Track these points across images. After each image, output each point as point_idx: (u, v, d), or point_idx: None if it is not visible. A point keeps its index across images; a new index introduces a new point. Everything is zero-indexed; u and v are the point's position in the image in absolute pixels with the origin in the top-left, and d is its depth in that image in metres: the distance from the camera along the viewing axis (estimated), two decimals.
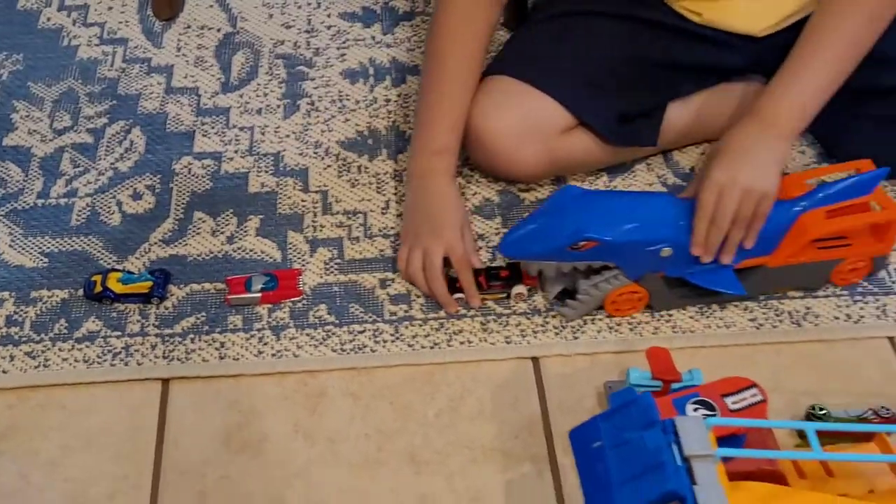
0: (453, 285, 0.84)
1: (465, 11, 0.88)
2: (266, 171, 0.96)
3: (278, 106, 1.03)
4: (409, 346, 0.82)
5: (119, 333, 0.83)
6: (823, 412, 0.77)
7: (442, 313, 0.84)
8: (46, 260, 0.89)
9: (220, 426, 0.78)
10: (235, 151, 0.98)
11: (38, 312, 0.85)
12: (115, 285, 0.85)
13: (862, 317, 0.84)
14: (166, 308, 0.85)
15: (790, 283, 0.84)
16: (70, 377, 0.81)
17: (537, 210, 0.82)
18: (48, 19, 1.13)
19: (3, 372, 0.81)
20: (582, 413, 0.77)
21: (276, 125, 1.01)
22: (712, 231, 0.77)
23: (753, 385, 0.66)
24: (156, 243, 0.90)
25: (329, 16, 1.13)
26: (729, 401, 0.65)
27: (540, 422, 0.78)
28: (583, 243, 0.76)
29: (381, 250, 0.89)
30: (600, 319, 0.84)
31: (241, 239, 0.91)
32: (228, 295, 0.85)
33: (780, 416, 0.77)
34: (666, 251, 0.78)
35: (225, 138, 1.00)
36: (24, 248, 0.90)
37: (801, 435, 0.71)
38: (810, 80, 0.80)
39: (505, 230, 0.90)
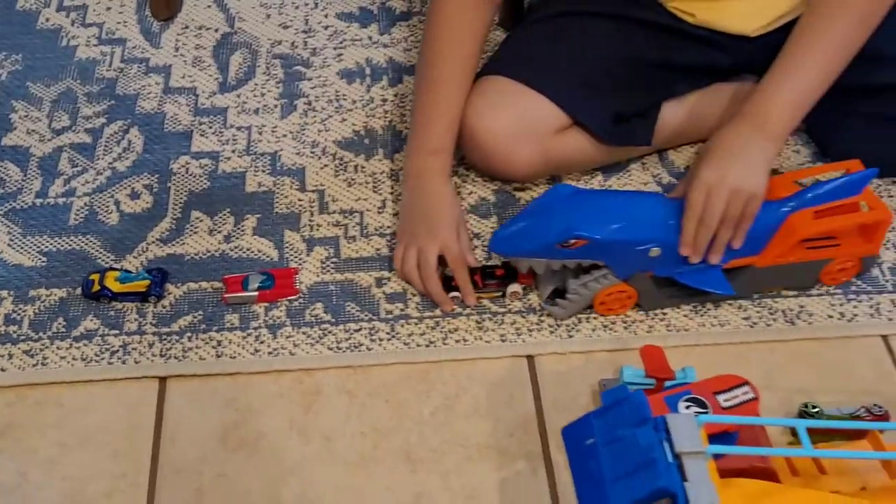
0: (449, 284, 0.85)
1: (459, 12, 0.89)
2: (263, 171, 0.97)
3: (275, 106, 1.03)
4: (405, 344, 0.83)
5: (117, 332, 0.84)
6: (816, 410, 0.77)
7: (437, 312, 0.85)
8: (45, 259, 0.90)
9: (216, 424, 0.78)
10: (233, 151, 0.99)
11: (37, 311, 0.86)
12: (112, 284, 0.85)
13: (855, 315, 0.85)
14: (164, 307, 0.86)
15: (779, 282, 0.85)
16: (68, 375, 0.81)
17: (528, 207, 0.82)
18: (47, 20, 1.14)
19: (2, 370, 0.82)
20: (576, 411, 0.78)
21: (273, 125, 1.01)
22: (701, 231, 0.77)
23: (745, 383, 0.67)
24: (153, 242, 0.91)
25: (326, 16, 1.13)
26: (721, 398, 0.65)
27: (535, 420, 0.78)
28: (573, 241, 0.77)
29: (378, 249, 0.90)
30: (595, 318, 0.84)
31: (238, 238, 0.91)
32: (225, 294, 0.86)
33: (774, 414, 0.77)
34: (655, 251, 0.78)
35: (222, 138, 1.00)
36: (22, 248, 0.91)
37: (794, 432, 0.71)
38: (800, 81, 0.80)
39: None
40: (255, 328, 0.84)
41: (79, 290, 0.87)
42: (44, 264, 0.89)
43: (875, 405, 0.77)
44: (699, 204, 0.77)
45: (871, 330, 0.84)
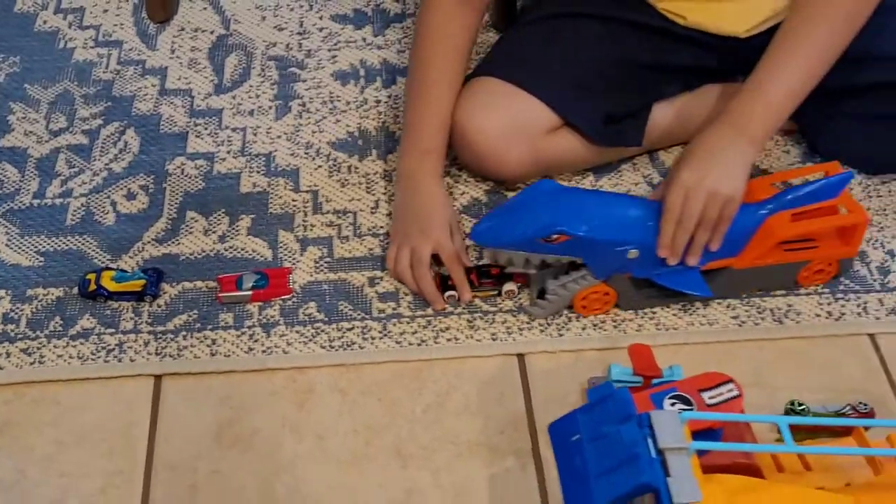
0: (445, 283, 0.86)
1: (448, 15, 0.90)
2: (258, 172, 0.98)
3: (270, 107, 1.04)
4: (397, 342, 0.84)
5: (113, 331, 0.85)
6: (803, 408, 0.78)
7: (429, 311, 0.86)
8: (42, 259, 0.91)
9: (211, 422, 0.79)
10: (228, 152, 1.00)
11: (34, 310, 0.87)
12: (108, 283, 0.87)
13: (843, 314, 0.85)
14: (159, 306, 0.87)
15: (757, 284, 0.85)
16: (65, 373, 0.82)
17: (511, 201, 0.83)
18: (44, 22, 1.15)
19: (0, 368, 0.83)
20: (566, 408, 0.78)
21: (267, 126, 1.02)
22: (678, 232, 0.78)
23: (730, 380, 0.68)
24: (149, 242, 0.92)
25: (321, 18, 1.15)
26: (706, 396, 0.67)
27: (524, 417, 0.79)
28: (555, 237, 0.77)
29: (371, 249, 0.91)
30: (584, 317, 0.85)
31: (232, 238, 0.92)
32: (220, 293, 0.87)
33: (761, 412, 0.78)
34: (633, 253, 0.79)
35: (217, 139, 1.01)
36: (20, 248, 0.92)
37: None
38: (782, 85, 0.81)
39: None
40: (249, 327, 0.85)
41: (75, 290, 0.88)
42: (41, 264, 0.90)
43: (861, 403, 0.78)
44: (677, 206, 0.78)
45: (859, 328, 0.85)
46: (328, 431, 0.79)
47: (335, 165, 0.98)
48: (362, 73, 1.08)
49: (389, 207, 0.94)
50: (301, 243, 0.91)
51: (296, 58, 1.10)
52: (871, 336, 0.85)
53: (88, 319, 0.86)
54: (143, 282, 0.87)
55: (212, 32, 1.13)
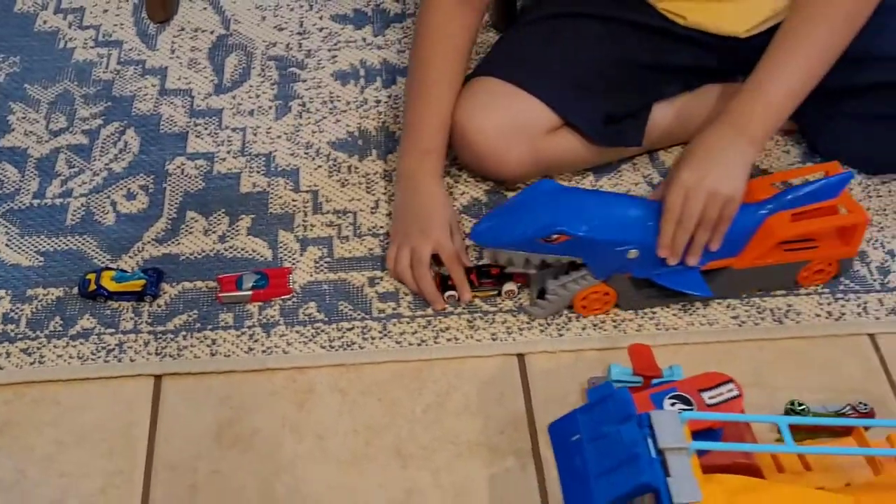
0: (445, 283, 0.86)
1: (447, 16, 0.90)
2: (258, 172, 0.98)
3: (270, 107, 1.04)
4: (397, 342, 0.84)
5: (113, 331, 0.85)
6: (803, 408, 0.78)
7: (429, 311, 0.86)
8: (42, 259, 0.91)
9: (211, 422, 0.79)
10: (228, 152, 1.00)
11: (34, 310, 0.87)
12: (108, 283, 0.87)
13: (843, 314, 0.85)
14: (159, 306, 0.87)
15: (756, 284, 0.85)
16: (65, 373, 0.82)
17: (511, 201, 0.83)
18: (45, 22, 1.15)
19: (0, 368, 0.83)
20: (566, 408, 0.78)
21: (267, 126, 1.02)
22: (678, 232, 0.78)
23: (730, 380, 0.68)
24: (149, 242, 0.92)
25: (321, 18, 1.15)
26: (706, 396, 0.67)
27: (524, 417, 0.79)
28: (555, 237, 0.77)
29: (370, 249, 0.91)
30: (584, 317, 0.85)
31: (232, 238, 0.92)
32: (220, 293, 0.87)
33: (761, 412, 0.78)
34: (633, 253, 0.79)
35: (217, 139, 1.01)
36: (20, 248, 0.92)
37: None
38: (782, 85, 0.81)
39: None
40: (249, 327, 0.85)
41: (75, 290, 0.88)
42: (41, 264, 0.90)
43: (861, 403, 0.78)
44: (677, 206, 0.78)
45: (859, 328, 0.85)
46: (328, 431, 0.79)
47: (335, 165, 0.98)
48: (362, 73, 1.08)
49: (389, 207, 0.94)
50: (301, 243, 0.91)
51: (296, 58, 1.10)
52: (871, 336, 0.85)
53: (88, 319, 0.86)
54: (143, 282, 0.87)
55: (212, 32, 1.13)
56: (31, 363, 0.83)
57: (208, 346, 0.84)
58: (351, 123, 1.03)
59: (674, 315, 0.85)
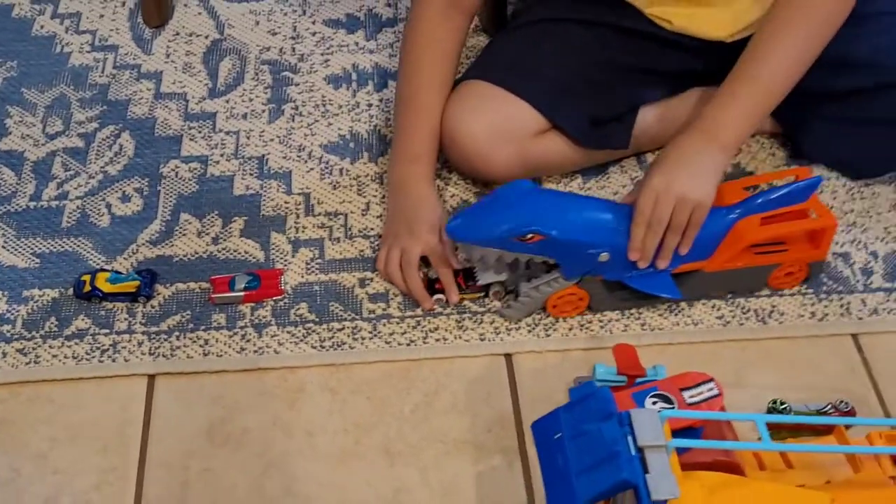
0: (432, 286, 0.87)
1: (434, 23, 0.91)
2: (251, 174, 0.99)
3: (263, 111, 1.06)
4: (387, 343, 0.85)
5: (107, 331, 0.86)
6: (784, 406, 0.79)
7: (419, 311, 0.87)
8: (38, 260, 0.92)
9: (203, 420, 0.81)
10: (221, 155, 1.01)
11: (30, 311, 0.88)
12: (103, 285, 0.88)
13: (826, 315, 0.87)
14: (153, 307, 0.88)
15: (727, 287, 0.87)
16: (60, 373, 0.84)
17: (487, 198, 0.84)
18: (41, 27, 1.17)
19: None
20: (552, 408, 0.78)
21: (261, 129, 1.04)
22: (648, 236, 0.79)
23: (711, 380, 0.69)
24: (143, 244, 0.93)
25: (314, 22, 1.16)
26: (686, 395, 0.68)
27: (511, 416, 0.81)
28: (530, 236, 0.78)
29: (361, 251, 0.92)
30: (572, 318, 0.86)
31: (225, 240, 0.94)
32: (213, 294, 0.88)
33: (744, 411, 0.79)
34: (604, 256, 0.80)
35: (211, 142, 1.03)
36: (16, 249, 0.93)
37: (770, 428, 0.74)
38: (755, 92, 0.82)
39: None
40: (242, 327, 0.86)
41: (71, 291, 0.89)
42: (37, 266, 0.92)
43: (842, 402, 0.79)
44: (647, 209, 0.79)
45: (842, 329, 0.86)
46: (318, 430, 0.80)
47: (327, 168, 1.00)
48: (354, 76, 1.09)
49: (380, 210, 0.95)
50: (293, 245, 0.93)
51: (289, 62, 1.11)
52: (854, 336, 0.86)
53: (83, 320, 0.87)
54: (137, 283, 0.88)
55: (206, 37, 1.15)
56: (27, 363, 0.84)
57: (201, 346, 0.85)
58: (343, 127, 1.04)
59: (659, 315, 0.87)
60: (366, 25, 1.15)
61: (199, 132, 1.04)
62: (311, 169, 1.00)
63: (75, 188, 0.99)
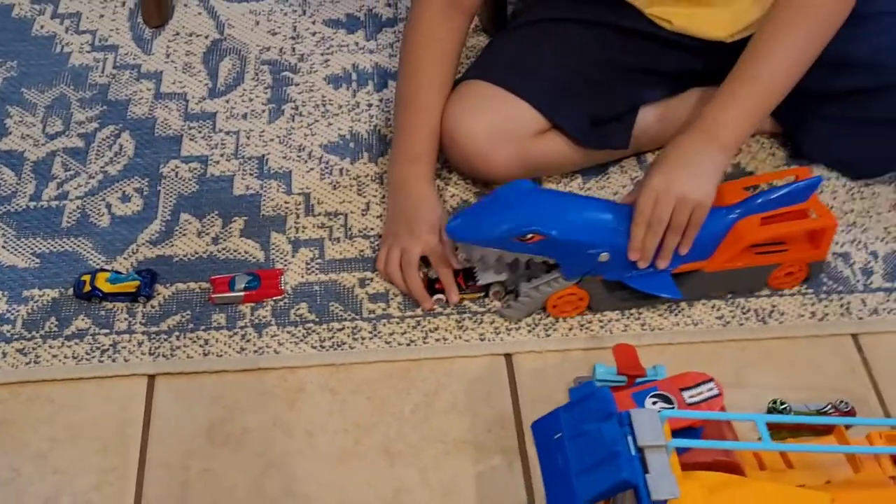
0: (432, 286, 0.87)
1: (434, 24, 0.91)
2: (251, 174, 0.99)
3: (263, 111, 1.06)
4: (387, 343, 0.85)
5: (107, 331, 0.86)
6: (784, 406, 0.79)
7: (418, 311, 0.87)
8: (38, 260, 0.92)
9: (203, 420, 0.81)
10: (221, 155, 1.01)
11: (30, 311, 0.88)
12: (103, 285, 0.88)
13: (826, 314, 0.87)
14: (153, 307, 0.88)
15: (727, 287, 0.87)
16: (60, 373, 0.84)
17: (487, 198, 0.84)
18: (41, 27, 1.17)
19: None
20: (552, 408, 0.78)
21: (261, 129, 1.04)
22: (648, 236, 0.79)
23: (710, 380, 0.69)
24: (143, 244, 0.93)
25: (314, 22, 1.16)
26: (686, 395, 0.68)
27: (511, 416, 0.81)
28: (530, 236, 0.78)
29: (361, 251, 0.92)
30: (572, 317, 0.86)
31: (225, 240, 0.94)
32: (213, 294, 0.88)
33: (745, 411, 0.79)
34: (604, 256, 0.80)
35: (211, 142, 1.03)
36: (16, 249, 0.93)
37: (770, 428, 0.74)
38: (755, 92, 0.82)
39: None
40: (242, 327, 0.86)
41: (71, 291, 0.89)
42: (37, 266, 0.92)
43: (842, 402, 0.79)
44: (647, 209, 0.79)
45: (842, 329, 0.86)
46: (318, 430, 0.80)
47: (327, 168, 1.00)
48: (354, 76, 1.09)
49: (380, 210, 0.95)
50: (293, 245, 0.93)
51: (289, 62, 1.11)
52: (854, 336, 0.86)
53: (83, 320, 0.87)
54: (137, 283, 0.88)
55: (206, 37, 1.15)
56: (27, 363, 0.84)
57: (201, 346, 0.85)
58: (343, 127, 1.04)
59: (659, 315, 0.87)
60: (366, 25, 1.15)
61: (199, 132, 1.04)
62: (311, 169, 1.00)
63: (75, 188, 0.99)
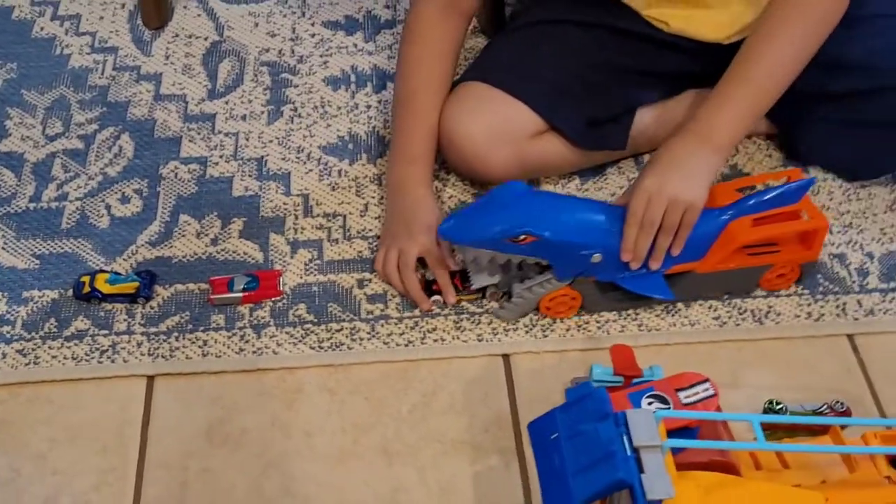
0: (430, 288, 0.87)
1: (432, 27, 0.92)
2: (250, 176, 1.00)
3: (262, 112, 1.06)
4: (385, 343, 0.85)
5: (106, 332, 0.87)
6: (780, 407, 0.80)
7: (417, 312, 0.87)
8: (38, 262, 0.93)
9: (202, 421, 0.81)
10: (220, 156, 1.02)
11: (30, 312, 0.88)
12: (102, 286, 0.88)
13: (822, 315, 0.87)
14: (152, 308, 0.88)
15: (719, 288, 0.87)
16: (59, 374, 0.84)
17: (480, 200, 0.84)
18: (41, 29, 1.17)
19: None
20: (550, 408, 0.79)
21: (260, 131, 1.04)
22: (640, 237, 0.80)
23: (706, 380, 0.69)
24: (142, 245, 0.94)
25: (313, 24, 1.16)
26: (682, 395, 0.68)
27: (509, 416, 0.81)
28: (522, 237, 0.79)
29: (360, 252, 0.93)
30: (569, 318, 0.87)
31: (224, 241, 0.94)
32: (212, 295, 0.88)
33: (741, 411, 0.80)
34: (596, 257, 0.81)
35: (210, 144, 1.03)
36: (16, 251, 0.94)
37: (766, 428, 0.74)
38: (747, 94, 0.82)
39: None
40: (240, 328, 0.87)
41: (70, 292, 0.89)
42: (37, 267, 0.92)
43: (837, 402, 0.80)
44: (640, 211, 0.79)
45: (837, 329, 0.86)
46: (317, 430, 0.80)
47: (326, 169, 1.00)
48: (353, 78, 1.10)
49: (379, 211, 0.96)
50: (292, 246, 0.93)
51: (288, 63, 1.12)
52: (850, 336, 0.86)
53: (83, 321, 0.88)
54: (136, 284, 0.88)
55: (206, 39, 1.15)
56: (27, 364, 0.85)
57: (200, 346, 0.85)
58: (341, 128, 1.04)
59: (656, 316, 0.87)
60: (364, 27, 1.16)
61: (199, 133, 1.04)
62: (310, 170, 1.00)
63: (75, 189, 0.99)
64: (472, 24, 1.02)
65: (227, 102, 1.07)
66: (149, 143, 1.03)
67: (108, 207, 0.97)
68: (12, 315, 0.88)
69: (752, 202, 0.82)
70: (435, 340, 0.86)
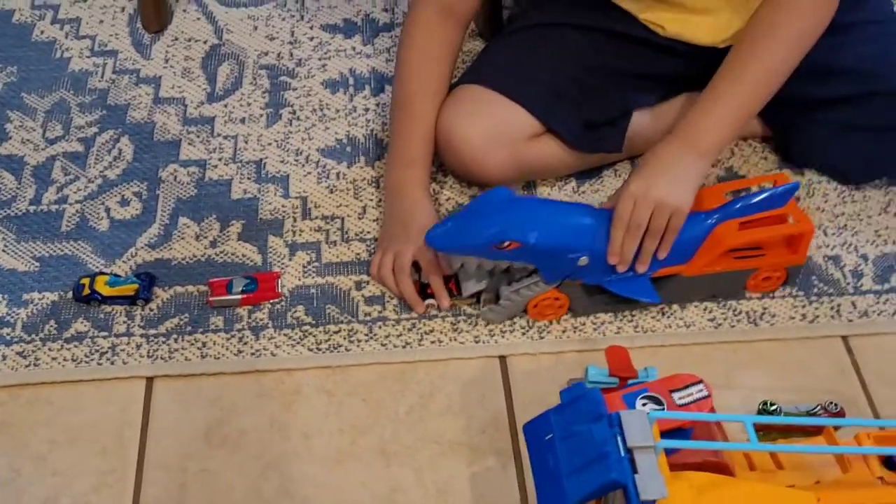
0: (425, 291, 0.88)
1: (429, 31, 0.92)
2: (248, 178, 1.00)
3: (261, 115, 1.07)
4: (382, 345, 0.86)
5: (106, 334, 0.87)
6: (774, 408, 0.80)
7: (414, 314, 0.88)
8: (38, 264, 0.93)
9: (201, 422, 0.82)
10: (219, 159, 1.02)
11: (30, 314, 0.89)
12: (102, 288, 0.89)
13: (817, 317, 0.88)
14: (151, 309, 0.89)
15: (706, 291, 0.87)
16: (59, 375, 0.85)
17: (466, 207, 0.85)
18: (41, 32, 1.18)
19: None
20: (546, 409, 0.80)
21: (258, 134, 1.05)
22: (627, 240, 0.80)
23: (700, 381, 0.70)
24: (142, 248, 0.94)
25: (311, 28, 1.17)
26: (676, 396, 0.68)
27: (506, 418, 0.82)
28: (507, 243, 0.79)
29: (358, 254, 0.93)
30: (566, 320, 0.87)
31: (223, 243, 0.95)
32: (210, 297, 0.89)
33: (736, 412, 0.80)
34: (583, 260, 0.81)
35: (209, 146, 1.04)
36: (16, 253, 0.94)
37: (757, 429, 0.75)
38: (734, 99, 0.83)
39: None
40: (239, 330, 0.87)
41: (70, 294, 0.90)
42: (37, 269, 0.93)
43: (831, 403, 0.80)
44: (626, 214, 0.80)
45: (832, 331, 0.87)
46: (315, 431, 0.81)
47: (324, 172, 1.01)
48: (351, 81, 1.10)
49: (377, 213, 0.96)
50: (290, 248, 0.94)
51: (287, 67, 1.12)
52: (844, 338, 0.87)
53: (82, 323, 0.88)
54: (135, 286, 0.89)
55: (205, 42, 1.16)
56: (27, 365, 0.85)
57: (199, 348, 0.86)
58: (340, 131, 1.05)
59: (652, 317, 0.88)
60: (363, 30, 1.16)
61: (198, 136, 1.05)
62: (309, 173, 1.01)
63: (75, 192, 1.00)
64: (469, 28, 1.03)
65: (226, 105, 1.08)
66: (148, 146, 1.04)
67: (107, 210, 0.98)
68: (12, 317, 0.89)
69: (738, 206, 0.83)
70: (432, 342, 0.86)
